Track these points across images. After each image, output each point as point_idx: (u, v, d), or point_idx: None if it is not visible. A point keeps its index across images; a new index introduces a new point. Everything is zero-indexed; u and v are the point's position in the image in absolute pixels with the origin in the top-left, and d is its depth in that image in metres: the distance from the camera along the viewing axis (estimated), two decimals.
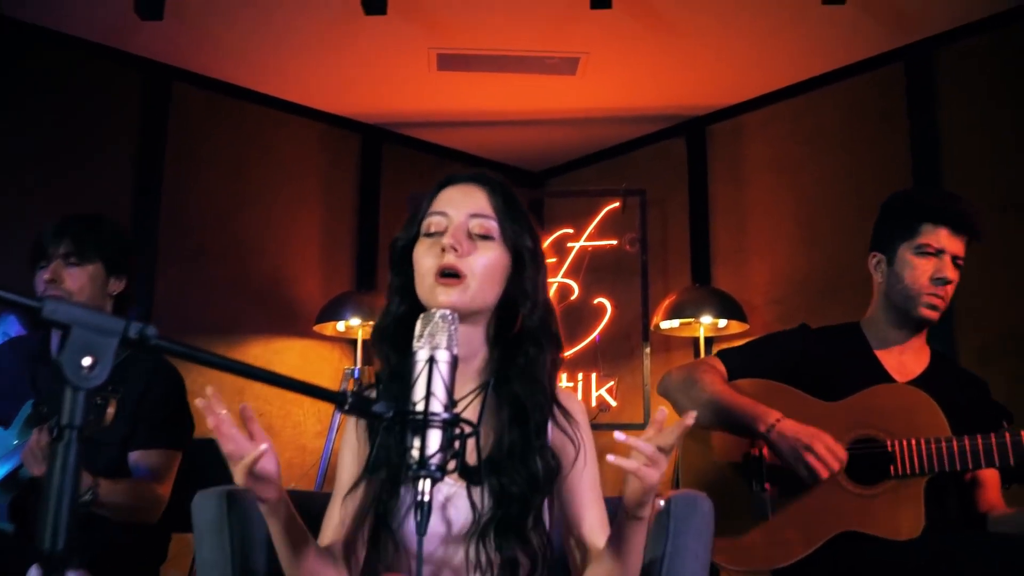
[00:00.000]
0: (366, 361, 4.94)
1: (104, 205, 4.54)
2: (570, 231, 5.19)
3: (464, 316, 1.54)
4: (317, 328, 4.94)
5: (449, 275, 1.55)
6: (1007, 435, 2.05)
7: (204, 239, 4.83)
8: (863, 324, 2.44)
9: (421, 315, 1.32)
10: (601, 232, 5.14)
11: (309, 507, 1.69)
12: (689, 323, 4.76)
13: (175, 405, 2.52)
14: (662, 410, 1.43)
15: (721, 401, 2.17)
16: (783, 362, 2.33)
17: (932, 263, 2.24)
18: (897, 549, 2.01)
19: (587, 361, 5.04)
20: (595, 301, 5.06)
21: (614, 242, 5.10)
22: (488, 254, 1.58)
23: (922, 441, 2.09)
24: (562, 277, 5.12)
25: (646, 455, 1.36)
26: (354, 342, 5.05)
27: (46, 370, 2.47)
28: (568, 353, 5.06)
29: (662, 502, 1.49)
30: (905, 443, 2.10)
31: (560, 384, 1.70)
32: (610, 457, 1.37)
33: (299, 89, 5.03)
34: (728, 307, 4.72)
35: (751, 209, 5.08)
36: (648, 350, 4.89)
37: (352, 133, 5.42)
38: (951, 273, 2.24)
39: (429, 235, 1.61)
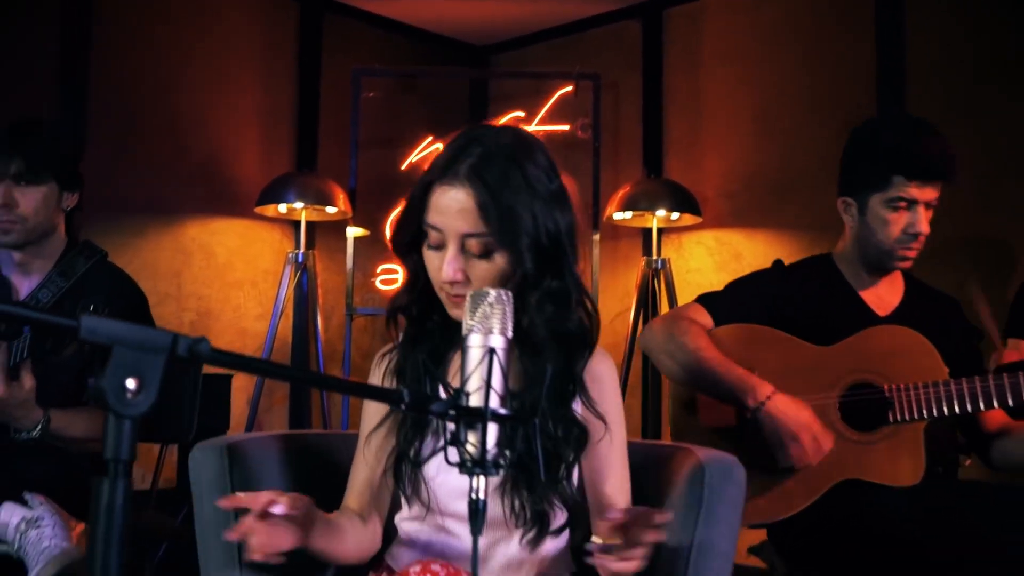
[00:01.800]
0: (309, 245, 4.78)
1: (27, 80, 4.23)
2: (521, 115, 5.02)
3: None
4: (258, 210, 4.73)
5: (455, 296, 1.45)
6: (1006, 376, 2.04)
7: (136, 115, 4.54)
8: (836, 259, 2.38)
9: (471, 293, 1.21)
10: (552, 116, 4.98)
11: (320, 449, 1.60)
12: (642, 215, 4.70)
13: (135, 314, 2.37)
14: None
15: (708, 367, 2.10)
16: (767, 306, 2.28)
17: (905, 216, 2.19)
18: (898, 495, 2.02)
19: None
20: None
21: (566, 127, 4.95)
22: (489, 269, 1.47)
23: (920, 386, 2.07)
24: None
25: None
26: (297, 224, 4.87)
27: None
28: None
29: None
30: (903, 388, 2.08)
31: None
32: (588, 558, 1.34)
33: None
34: (683, 200, 4.66)
35: (707, 100, 4.97)
36: (597, 238, 4.81)
37: (291, 2, 5.10)
38: (924, 225, 2.19)
39: (433, 248, 1.48)
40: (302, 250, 4.73)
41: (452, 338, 1.52)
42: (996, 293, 3.74)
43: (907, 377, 2.08)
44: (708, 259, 4.86)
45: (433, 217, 1.45)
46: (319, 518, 1.42)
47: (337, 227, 4.95)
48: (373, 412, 1.55)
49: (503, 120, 4.96)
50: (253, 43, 4.99)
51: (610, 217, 4.76)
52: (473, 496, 1.12)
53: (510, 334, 1.18)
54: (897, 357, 2.11)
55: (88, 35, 4.36)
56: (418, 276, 1.52)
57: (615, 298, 5.08)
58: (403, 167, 4.94)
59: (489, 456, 1.12)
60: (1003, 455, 2.21)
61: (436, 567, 1.29)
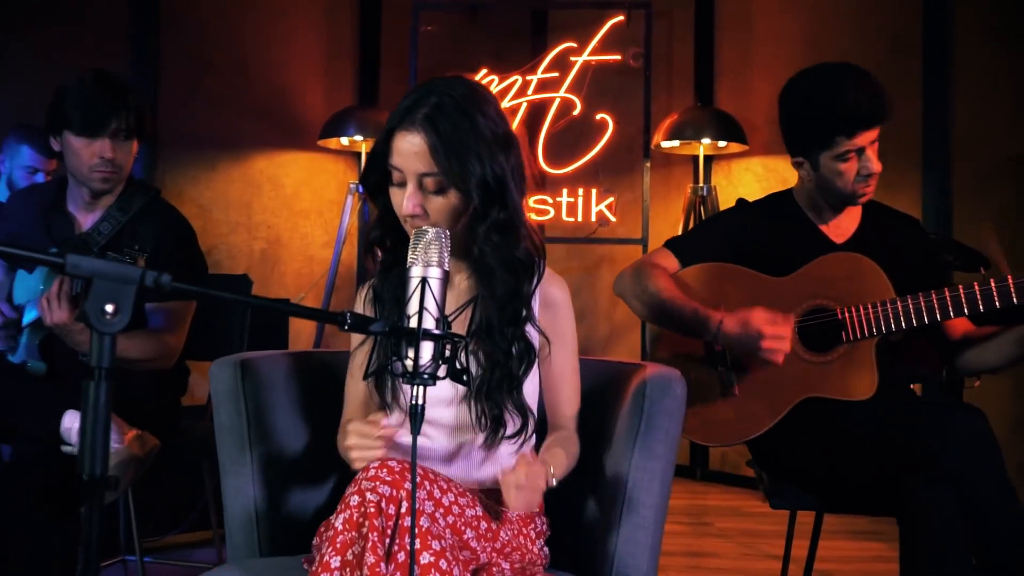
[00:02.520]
0: None
1: (103, 21, 4.53)
2: (573, 45, 5.13)
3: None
4: (321, 143, 4.99)
5: (413, 216, 1.65)
6: (946, 291, 2.15)
7: (205, 55, 4.81)
8: (795, 194, 2.48)
9: (415, 231, 1.41)
10: (604, 46, 5.08)
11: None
12: (689, 143, 4.81)
13: (187, 255, 2.63)
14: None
15: (671, 308, 2.25)
16: (731, 243, 2.40)
17: (855, 163, 2.28)
18: (856, 409, 2.18)
19: (588, 177, 5.11)
20: (597, 116, 5.07)
21: (618, 57, 5.05)
22: (443, 204, 1.65)
23: (869, 306, 2.20)
24: (564, 92, 5.10)
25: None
26: (358, 155, 5.12)
27: (60, 217, 2.57)
28: (569, 169, 5.14)
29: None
30: (854, 310, 2.21)
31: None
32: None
33: None
34: (729, 128, 4.76)
35: (757, 27, 5.01)
36: (648, 165, 4.94)
37: None
38: (875, 165, 2.28)
39: (394, 184, 1.67)
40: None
41: None
42: None
43: (857, 299, 2.22)
44: (756, 185, 4.95)
45: (395, 159, 1.66)
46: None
47: None
48: (358, 351, 1.79)
49: (555, 51, 5.09)
50: None
51: (659, 145, 4.88)
52: (412, 402, 1.34)
53: (447, 267, 1.38)
54: (847, 281, 2.25)
55: None
56: (388, 211, 1.72)
57: (667, 224, 5.21)
58: None
59: (423, 369, 1.33)
60: (964, 362, 2.33)
61: (392, 463, 1.51)
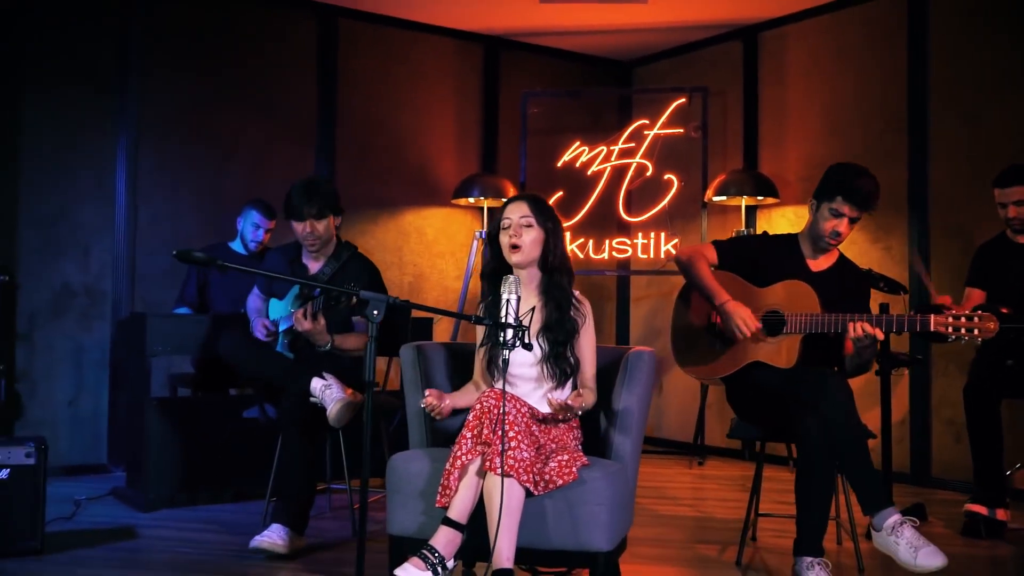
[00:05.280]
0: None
1: (298, 116, 6.23)
2: (646, 121, 6.61)
3: (524, 265, 3.15)
4: (454, 201, 6.61)
5: (514, 247, 3.16)
6: (852, 314, 3.50)
7: (368, 138, 6.49)
8: (800, 236, 3.86)
9: (504, 277, 2.92)
10: (670, 121, 6.55)
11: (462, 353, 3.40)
12: (734, 197, 6.23)
13: (376, 284, 4.19)
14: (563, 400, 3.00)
15: (702, 283, 3.69)
16: (748, 253, 3.81)
17: (833, 222, 3.66)
18: (780, 372, 3.55)
19: (658, 224, 6.58)
20: (665, 177, 6.53)
21: (681, 130, 6.52)
22: (532, 234, 3.17)
23: (802, 315, 3.58)
24: (639, 158, 6.59)
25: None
26: (481, 210, 6.71)
27: (299, 266, 4.19)
28: (643, 217, 6.61)
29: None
30: (794, 315, 3.60)
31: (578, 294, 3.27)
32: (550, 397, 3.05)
33: (432, 11, 6.51)
34: (764, 186, 6.17)
35: (789, 109, 6.40)
36: (705, 214, 6.37)
37: (476, 44, 6.91)
38: (844, 230, 3.64)
39: (503, 228, 3.20)
40: (485, 229, 6.58)
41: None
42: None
43: (797, 310, 3.58)
44: (789, 228, 6.30)
45: (507, 214, 3.16)
46: (451, 396, 3.15)
47: None
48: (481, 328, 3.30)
49: (631, 127, 6.59)
50: (449, 76, 6.85)
51: (710, 200, 6.32)
52: (503, 357, 2.84)
53: (519, 294, 2.87)
54: (794, 298, 3.60)
55: (333, 87, 6.35)
56: (494, 256, 3.21)
57: None
58: (558, 165, 6.68)
59: (509, 342, 2.84)
60: (847, 366, 3.70)
61: (494, 392, 2.98)
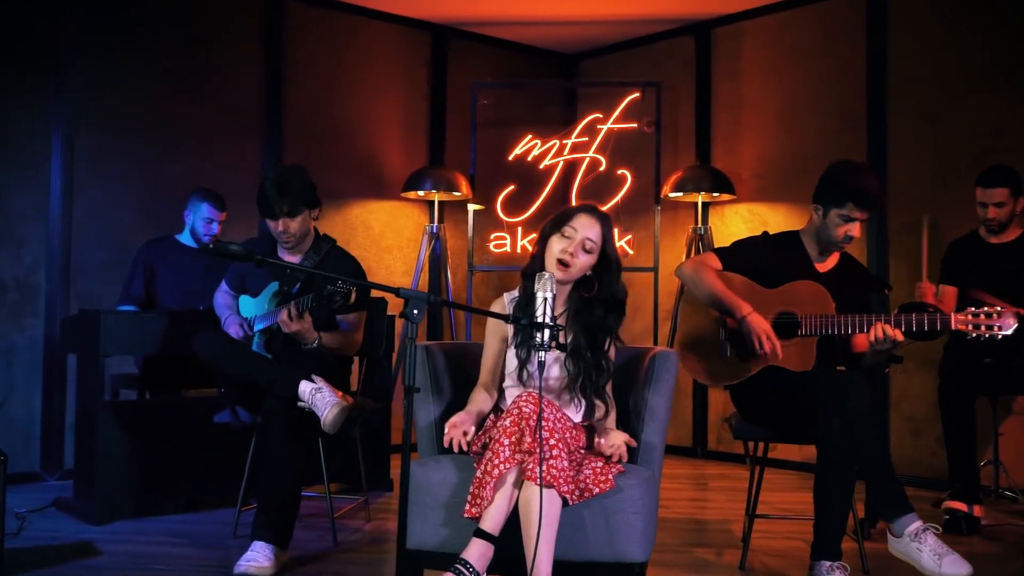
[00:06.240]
0: (440, 220, 6.42)
1: (242, 104, 5.93)
2: (599, 115, 6.50)
3: (563, 282, 2.98)
4: (404, 194, 6.40)
5: (563, 263, 2.98)
6: (864, 316, 3.44)
7: (315, 127, 6.22)
8: (802, 234, 3.77)
9: (538, 274, 2.76)
10: (624, 117, 6.46)
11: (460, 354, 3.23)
12: (691, 194, 6.18)
13: (361, 279, 3.95)
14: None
15: (717, 294, 3.55)
16: (752, 261, 3.70)
17: (845, 227, 3.58)
18: (796, 376, 3.47)
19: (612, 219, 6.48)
20: (618, 172, 6.44)
21: (634, 125, 6.43)
22: (587, 260, 2.99)
23: (817, 316, 3.51)
24: (593, 153, 6.48)
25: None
26: (431, 204, 6.51)
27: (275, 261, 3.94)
28: None
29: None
30: (807, 317, 3.52)
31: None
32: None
33: None
34: (721, 183, 6.13)
35: (743, 104, 6.39)
36: (658, 210, 6.30)
37: (424, 32, 6.71)
38: (857, 234, 3.57)
39: (563, 236, 3.01)
40: (435, 224, 6.39)
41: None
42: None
43: (810, 311, 3.52)
44: (743, 225, 6.32)
45: (575, 223, 2.94)
46: (470, 415, 2.94)
47: (460, 205, 6.57)
48: (492, 342, 3.08)
49: (586, 121, 6.49)
50: (395, 67, 6.62)
51: (667, 195, 6.26)
52: (540, 359, 2.68)
53: (555, 292, 2.71)
54: (807, 300, 3.52)
55: (279, 75, 6.06)
56: (539, 257, 2.99)
57: (673, 255, 6.56)
58: (510, 158, 6.53)
59: (546, 344, 2.68)
60: (863, 359, 3.65)
61: (531, 397, 2.80)
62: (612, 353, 3.08)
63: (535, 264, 3.06)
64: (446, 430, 2.88)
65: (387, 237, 6.55)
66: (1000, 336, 3.30)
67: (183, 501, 4.49)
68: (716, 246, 6.14)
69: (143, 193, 5.58)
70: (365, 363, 4.40)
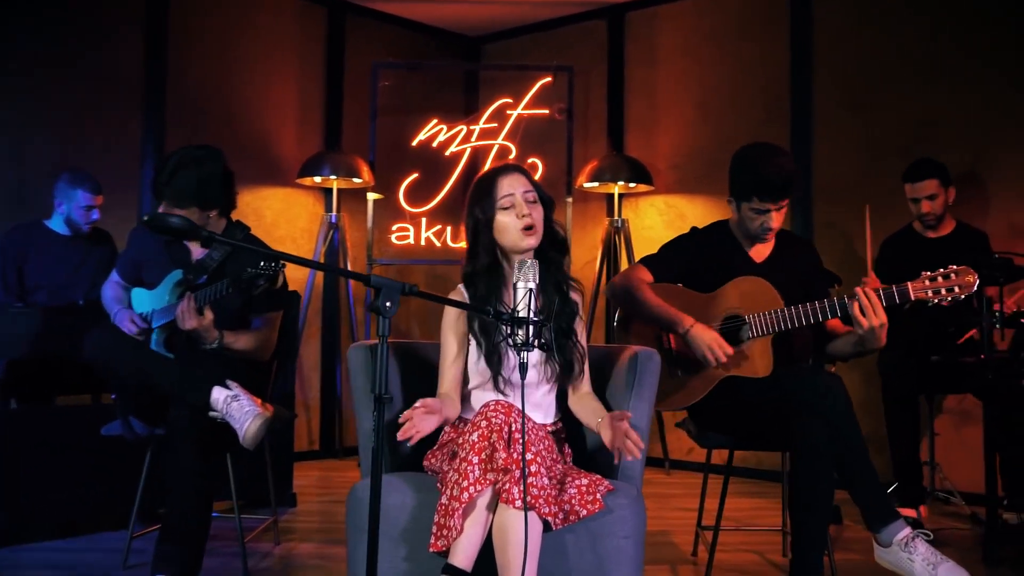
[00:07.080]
0: (338, 209, 5.93)
1: (121, 79, 5.32)
2: (509, 100, 6.14)
3: (533, 250, 2.61)
4: (299, 180, 5.87)
5: (529, 228, 2.59)
6: (825, 300, 3.16)
7: (201, 105, 5.64)
8: (731, 224, 3.47)
9: (518, 261, 2.37)
10: (535, 102, 6.11)
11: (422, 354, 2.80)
12: (606, 184, 5.88)
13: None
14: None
15: (654, 310, 3.24)
16: (683, 261, 3.40)
17: (759, 219, 3.30)
18: (758, 382, 3.19)
19: None
20: (528, 160, 6.08)
21: (546, 111, 6.09)
22: (540, 211, 2.63)
23: (766, 314, 3.22)
24: (502, 140, 6.11)
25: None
26: (328, 191, 6.01)
27: (178, 247, 3.41)
28: None
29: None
30: (755, 316, 3.23)
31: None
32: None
33: None
34: (638, 172, 5.85)
35: (658, 91, 6.13)
36: (570, 201, 5.97)
37: (319, 7, 6.19)
38: (775, 223, 3.29)
39: (504, 209, 2.62)
40: (334, 213, 5.89)
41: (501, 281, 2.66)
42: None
43: (758, 309, 3.24)
44: (659, 219, 6.05)
45: (506, 189, 2.58)
46: (443, 407, 2.55)
47: (358, 193, 6.09)
48: (451, 340, 2.69)
49: (495, 106, 6.11)
50: (289, 44, 6.08)
51: (581, 185, 5.94)
52: (522, 360, 2.29)
53: (537, 282, 2.34)
54: (752, 297, 3.24)
55: (164, 47, 5.46)
56: (487, 250, 2.61)
57: (585, 249, 6.26)
58: (413, 143, 6.09)
59: (529, 341, 2.29)
60: (829, 351, 3.39)
61: (502, 403, 2.42)
62: (583, 338, 2.74)
63: (479, 261, 2.68)
64: (404, 415, 2.42)
65: (280, 227, 6.01)
66: (963, 297, 3.03)
67: (60, 525, 3.89)
68: (632, 238, 5.96)
69: (3, 174, 4.91)
70: (275, 367, 3.90)
